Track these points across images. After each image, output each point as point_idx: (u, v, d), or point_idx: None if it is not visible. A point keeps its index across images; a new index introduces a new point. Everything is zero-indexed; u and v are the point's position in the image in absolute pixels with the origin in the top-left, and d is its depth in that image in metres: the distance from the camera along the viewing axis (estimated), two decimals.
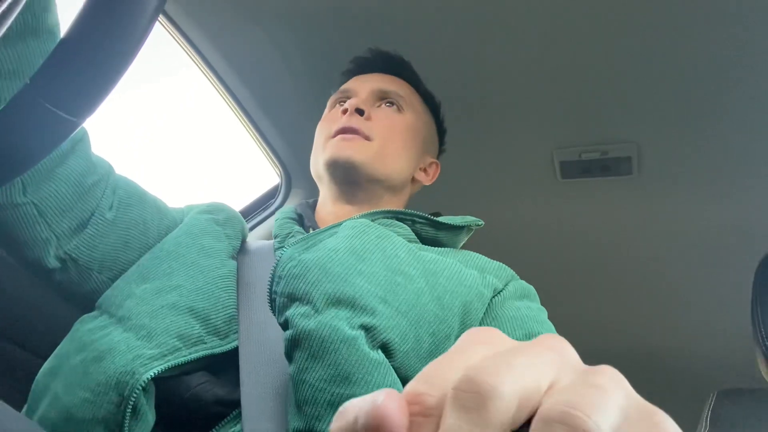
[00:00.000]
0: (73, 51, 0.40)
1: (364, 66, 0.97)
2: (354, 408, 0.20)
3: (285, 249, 0.70)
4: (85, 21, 0.40)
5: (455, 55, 1.13)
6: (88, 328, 0.64)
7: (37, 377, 0.64)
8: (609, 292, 1.72)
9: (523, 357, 0.21)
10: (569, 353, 0.23)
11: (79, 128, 0.44)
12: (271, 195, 1.44)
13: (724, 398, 1.28)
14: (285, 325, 0.60)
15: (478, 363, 0.20)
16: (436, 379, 0.21)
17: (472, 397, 0.19)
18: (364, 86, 0.91)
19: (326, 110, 0.94)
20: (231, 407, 0.61)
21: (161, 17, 1.06)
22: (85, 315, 0.69)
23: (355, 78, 0.95)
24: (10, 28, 0.55)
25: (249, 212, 1.38)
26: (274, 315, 0.64)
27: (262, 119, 1.28)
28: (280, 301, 0.63)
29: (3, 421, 0.37)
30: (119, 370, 0.57)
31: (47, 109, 0.40)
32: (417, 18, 1.07)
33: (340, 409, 0.20)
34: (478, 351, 0.22)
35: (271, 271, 0.65)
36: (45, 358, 0.66)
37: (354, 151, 0.81)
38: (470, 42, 1.10)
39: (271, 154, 1.37)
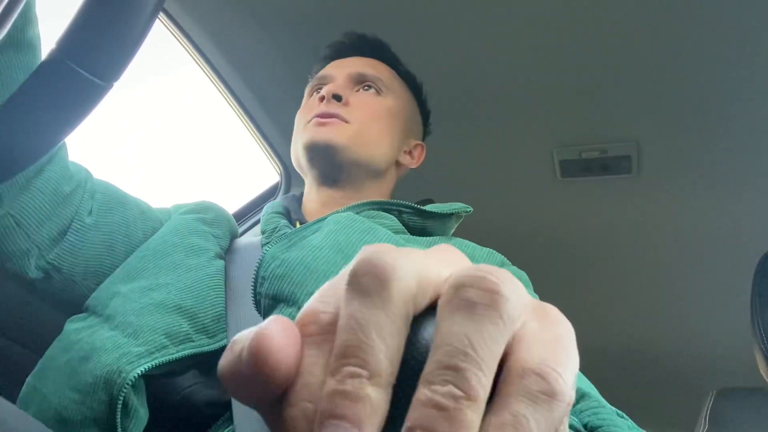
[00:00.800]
0: (98, 11, 0.40)
1: (340, 51, 0.94)
2: (242, 339, 0.19)
3: (268, 247, 0.69)
4: None
5: (456, 54, 1.13)
6: (74, 327, 0.63)
7: (26, 380, 0.62)
8: (608, 290, 1.72)
9: (418, 252, 0.21)
10: (462, 258, 0.23)
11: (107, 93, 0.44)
12: (270, 193, 1.43)
13: (723, 397, 1.28)
14: None
15: (372, 250, 0.20)
16: (330, 296, 0.20)
17: (371, 278, 0.19)
18: (341, 71, 0.88)
19: (304, 99, 0.92)
20: (223, 408, 0.60)
21: (162, 15, 1.05)
22: (74, 315, 0.67)
23: (331, 63, 0.92)
24: None
25: (248, 210, 1.37)
26: (260, 316, 0.63)
27: (262, 117, 1.28)
28: (265, 303, 0.62)
29: (4, 416, 0.37)
30: (106, 369, 0.56)
31: (77, 73, 0.40)
32: (419, 17, 1.07)
33: (232, 341, 0.19)
34: None
35: (254, 272, 0.64)
36: None
37: (332, 133, 0.79)
38: (470, 41, 1.10)
39: (270, 152, 1.37)
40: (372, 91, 0.86)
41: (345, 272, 0.21)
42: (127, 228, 0.74)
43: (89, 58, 0.40)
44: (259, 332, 0.18)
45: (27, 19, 0.57)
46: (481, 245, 0.78)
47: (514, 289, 0.19)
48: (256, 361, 0.18)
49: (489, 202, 1.49)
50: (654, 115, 1.20)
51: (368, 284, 0.19)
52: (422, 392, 0.17)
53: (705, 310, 1.69)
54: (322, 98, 0.83)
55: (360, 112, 0.82)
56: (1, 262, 0.66)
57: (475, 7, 1.03)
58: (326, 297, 0.20)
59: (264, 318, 0.62)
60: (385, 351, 0.18)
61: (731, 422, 1.21)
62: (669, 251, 1.55)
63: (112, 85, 0.42)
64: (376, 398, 0.17)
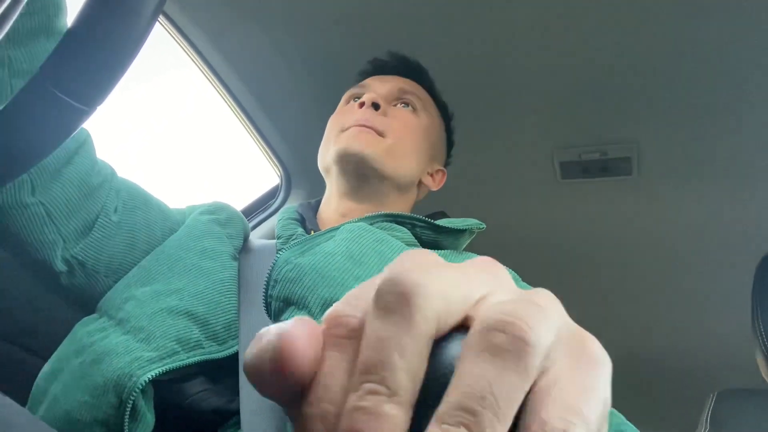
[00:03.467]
0: (83, 38, 0.40)
1: (381, 68, 0.96)
2: (268, 333, 0.19)
3: (281, 252, 0.69)
4: (93, 7, 0.40)
5: (455, 56, 1.13)
6: (87, 330, 0.64)
7: (36, 380, 0.63)
8: (608, 292, 1.72)
9: (450, 269, 0.20)
10: (503, 275, 0.22)
11: (88, 118, 0.44)
12: (271, 195, 1.43)
13: (724, 399, 1.28)
14: None
15: (401, 269, 0.20)
16: (359, 300, 0.20)
17: (396, 297, 0.19)
18: (383, 84, 0.90)
19: (341, 104, 0.93)
20: (229, 416, 0.61)
21: (161, 17, 1.06)
22: (86, 317, 0.68)
23: (373, 77, 0.94)
24: (21, 28, 0.57)
25: (249, 212, 1.38)
26: (270, 319, 0.64)
27: (262, 119, 1.28)
28: (276, 305, 0.62)
29: (7, 415, 0.37)
30: (117, 372, 0.57)
31: (58, 98, 0.40)
32: (416, 19, 1.07)
33: (258, 333, 0.20)
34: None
35: (267, 274, 0.65)
36: None
37: (366, 144, 0.80)
38: (469, 44, 1.10)
39: (270, 154, 1.36)
40: (409, 108, 0.89)
41: (373, 280, 0.21)
42: (148, 228, 0.75)
43: (71, 83, 0.41)
44: (284, 334, 0.19)
45: (58, 7, 0.59)
46: (481, 247, 0.78)
47: (545, 331, 0.19)
48: (280, 362, 0.18)
49: (489, 204, 1.50)
50: (654, 117, 1.20)
51: (391, 302, 0.19)
52: (433, 429, 0.17)
53: (706, 311, 1.69)
54: (361, 104, 0.85)
55: (395, 125, 0.84)
56: (27, 252, 0.67)
57: (473, 10, 1.03)
58: (352, 301, 0.20)
59: (273, 321, 0.62)
60: (405, 369, 0.18)
61: (732, 424, 1.21)
62: (669, 253, 1.55)
63: (95, 109, 0.42)
64: (396, 415, 0.17)
